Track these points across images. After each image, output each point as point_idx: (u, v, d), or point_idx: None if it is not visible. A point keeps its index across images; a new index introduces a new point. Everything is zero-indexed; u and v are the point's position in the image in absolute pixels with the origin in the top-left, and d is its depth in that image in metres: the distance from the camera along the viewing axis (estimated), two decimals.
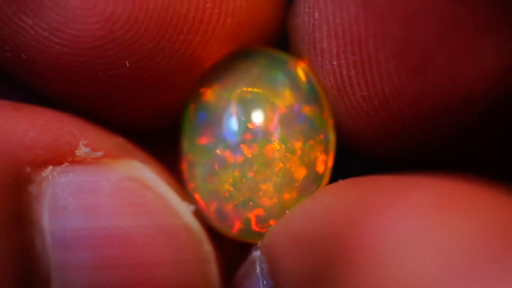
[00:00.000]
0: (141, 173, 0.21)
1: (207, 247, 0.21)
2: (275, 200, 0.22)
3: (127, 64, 0.21)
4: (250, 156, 0.22)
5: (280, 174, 0.22)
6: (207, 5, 0.21)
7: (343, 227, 0.17)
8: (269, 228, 0.22)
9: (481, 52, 0.19)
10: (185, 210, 0.21)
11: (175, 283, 0.20)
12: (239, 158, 0.22)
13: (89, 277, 0.19)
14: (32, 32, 0.20)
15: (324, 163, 0.22)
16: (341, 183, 0.21)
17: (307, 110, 0.22)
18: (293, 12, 0.23)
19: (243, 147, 0.22)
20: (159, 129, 0.23)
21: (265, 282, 0.21)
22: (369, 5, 0.19)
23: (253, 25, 0.22)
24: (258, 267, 0.21)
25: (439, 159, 0.22)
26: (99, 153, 0.21)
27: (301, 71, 0.23)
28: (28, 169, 0.19)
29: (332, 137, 0.23)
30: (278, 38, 0.24)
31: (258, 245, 0.22)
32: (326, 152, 0.22)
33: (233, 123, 0.22)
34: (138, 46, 0.20)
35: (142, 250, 0.20)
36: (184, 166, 0.23)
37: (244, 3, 0.21)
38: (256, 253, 0.22)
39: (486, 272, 0.15)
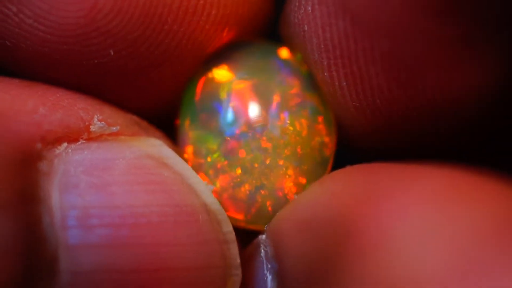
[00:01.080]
0: (158, 150, 0.20)
1: (227, 228, 0.20)
2: (288, 184, 0.22)
3: (112, 53, 0.20)
4: (260, 141, 0.21)
5: (291, 158, 0.22)
6: None
7: (350, 213, 0.17)
8: (277, 213, 0.22)
9: (467, 67, 0.19)
10: (204, 189, 0.20)
11: (193, 265, 0.19)
12: (249, 144, 0.21)
13: (100, 257, 0.18)
14: (16, 19, 0.20)
15: (328, 145, 0.22)
16: (348, 169, 0.21)
17: (308, 96, 0.22)
18: (284, 21, 0.23)
19: (252, 134, 0.21)
20: (151, 119, 0.23)
21: (269, 266, 0.21)
22: (357, 22, 0.20)
23: (239, 17, 0.22)
24: (262, 250, 0.21)
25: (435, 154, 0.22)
26: (115, 128, 0.20)
27: (298, 60, 0.23)
28: (39, 146, 0.18)
29: (332, 121, 0.23)
30: (267, 31, 0.24)
31: (264, 229, 0.22)
32: (329, 134, 0.22)
33: (240, 111, 0.22)
34: (122, 35, 0.20)
35: (158, 229, 0.19)
36: (189, 155, 0.22)
37: None
38: (261, 237, 0.21)
39: (494, 264, 0.14)
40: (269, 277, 0.21)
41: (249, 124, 0.22)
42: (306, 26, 0.21)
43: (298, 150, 0.22)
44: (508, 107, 0.21)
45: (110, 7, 0.20)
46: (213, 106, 0.22)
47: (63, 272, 0.18)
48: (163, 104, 0.23)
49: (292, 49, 0.23)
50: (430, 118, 0.21)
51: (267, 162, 0.21)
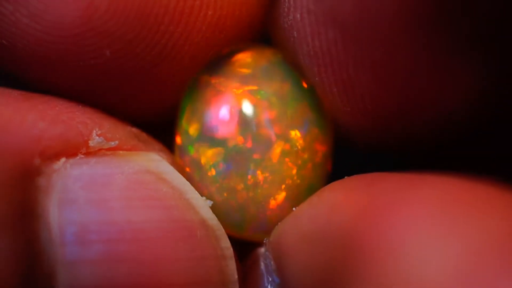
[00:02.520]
0: (157, 165, 0.20)
1: (225, 244, 0.20)
2: (284, 196, 0.21)
3: (108, 54, 0.20)
4: (257, 153, 0.21)
5: (288, 170, 0.22)
6: None
7: (352, 226, 0.17)
8: (276, 226, 0.21)
9: (455, 75, 0.20)
10: (202, 205, 0.20)
11: (191, 280, 0.19)
12: (247, 156, 0.21)
13: (98, 272, 0.18)
14: (12, 18, 0.20)
15: (324, 153, 0.22)
16: (347, 180, 0.20)
17: (305, 104, 0.22)
18: (273, 24, 0.23)
19: (249, 145, 0.21)
20: (147, 122, 0.23)
21: (270, 279, 0.21)
22: (347, 31, 0.20)
23: (236, 18, 0.22)
24: (262, 263, 0.21)
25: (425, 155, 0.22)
26: (113, 143, 0.20)
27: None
28: (37, 161, 0.18)
29: (329, 127, 0.22)
30: (263, 33, 0.24)
31: (264, 242, 0.21)
32: (325, 142, 0.22)
33: (240, 121, 0.22)
34: (118, 36, 0.20)
35: (156, 245, 0.19)
36: (188, 164, 0.22)
37: None
38: (260, 250, 0.21)
39: (500, 275, 0.14)
40: None
41: (249, 137, 0.21)
42: (295, 32, 0.21)
43: (297, 164, 0.22)
44: (497, 111, 0.21)
45: (106, 7, 0.20)
46: (214, 116, 0.22)
47: (61, 287, 0.18)
48: (161, 105, 0.23)
49: (283, 52, 0.23)
50: (420, 121, 0.21)
51: (266, 174, 0.21)
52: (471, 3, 0.18)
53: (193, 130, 0.22)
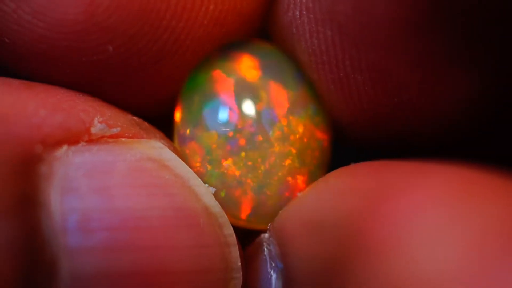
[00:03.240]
0: (159, 152, 0.20)
1: (228, 231, 0.20)
2: (287, 182, 0.21)
3: (111, 49, 0.20)
4: (261, 141, 0.21)
5: (290, 156, 0.22)
6: None
7: (357, 213, 0.17)
8: (280, 211, 0.21)
9: (451, 78, 0.20)
10: (205, 192, 0.20)
11: (194, 268, 0.19)
12: (248, 143, 0.21)
13: (101, 260, 0.18)
14: (14, 15, 0.20)
15: (326, 145, 0.22)
16: (353, 167, 0.20)
17: (309, 97, 0.22)
18: (272, 20, 0.23)
19: (251, 132, 0.21)
20: (150, 116, 0.23)
21: (273, 265, 0.21)
22: (344, 31, 0.20)
23: (237, 13, 0.22)
24: (266, 249, 0.21)
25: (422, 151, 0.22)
26: (115, 130, 0.20)
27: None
28: (39, 149, 0.18)
29: (327, 117, 0.23)
30: (262, 29, 0.24)
31: (268, 228, 0.21)
32: (325, 131, 0.22)
33: (241, 108, 0.22)
34: (121, 31, 0.20)
35: (159, 233, 0.19)
36: (188, 153, 0.22)
37: None
38: (264, 235, 0.21)
39: (510, 264, 0.14)
40: (274, 276, 0.21)
41: (251, 124, 0.21)
42: (294, 29, 0.21)
43: (298, 150, 0.22)
44: (497, 111, 0.21)
45: (108, 3, 0.20)
46: (215, 104, 0.22)
47: (63, 276, 0.18)
48: (162, 100, 0.23)
49: (282, 47, 0.23)
50: (417, 121, 0.21)
51: (268, 161, 0.21)
52: (468, 4, 0.18)
53: (192, 118, 0.22)
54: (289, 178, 0.21)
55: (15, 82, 0.20)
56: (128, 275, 0.18)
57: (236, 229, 0.21)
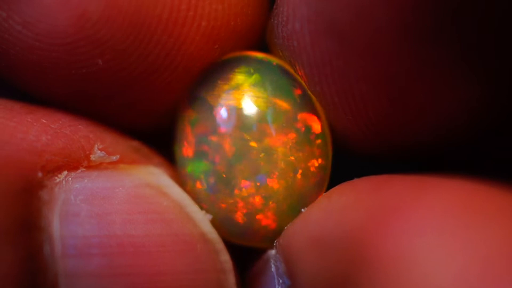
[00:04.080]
0: (157, 179, 0.20)
1: (225, 257, 0.20)
2: (287, 206, 0.21)
3: (100, 63, 0.20)
4: (258, 165, 0.21)
5: (288, 179, 0.21)
6: (182, 7, 0.20)
7: (362, 231, 0.17)
8: (285, 228, 0.21)
9: (457, 86, 0.19)
10: (202, 219, 0.21)
11: None
12: (246, 168, 0.21)
13: (100, 285, 0.18)
14: (5, 25, 0.20)
15: (324, 168, 0.22)
16: (356, 182, 0.20)
17: (306, 115, 0.22)
18: (271, 32, 0.23)
19: (248, 157, 0.21)
20: (143, 131, 0.23)
21: (281, 281, 0.21)
22: (345, 41, 0.19)
23: (231, 29, 0.22)
24: (273, 265, 0.21)
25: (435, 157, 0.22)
26: (115, 157, 0.20)
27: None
28: (40, 174, 0.18)
29: (328, 137, 0.22)
30: (260, 43, 0.24)
31: (275, 244, 0.21)
32: (325, 157, 0.22)
33: (236, 127, 0.21)
34: (111, 45, 0.20)
35: (156, 259, 0.19)
36: (184, 177, 0.22)
37: (220, 6, 0.21)
38: (271, 252, 0.21)
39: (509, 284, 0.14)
40: None
41: (248, 147, 0.21)
42: (295, 42, 0.21)
43: (294, 173, 0.22)
44: (500, 115, 0.21)
45: (99, 16, 0.20)
46: (207, 130, 0.22)
47: None
48: (156, 115, 0.23)
49: (281, 59, 0.23)
50: (422, 130, 0.21)
51: (265, 185, 0.21)
52: (468, 12, 0.18)
53: (188, 145, 0.22)
54: (290, 200, 0.21)
55: (17, 105, 0.20)
56: None
57: (241, 247, 0.21)
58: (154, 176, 0.21)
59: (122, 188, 0.20)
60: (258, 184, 0.21)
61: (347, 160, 0.23)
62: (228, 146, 0.21)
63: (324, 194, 0.22)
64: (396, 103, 0.20)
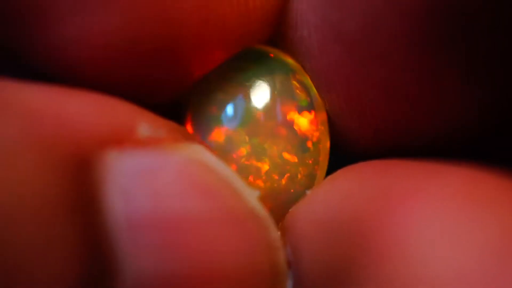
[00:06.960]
0: (204, 156, 0.20)
1: (275, 234, 0.20)
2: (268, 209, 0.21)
3: None
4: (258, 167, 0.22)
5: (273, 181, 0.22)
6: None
7: (366, 215, 0.17)
8: (290, 210, 0.22)
9: (463, 94, 0.20)
10: (250, 195, 0.20)
11: (243, 271, 0.19)
12: (247, 169, 0.22)
13: (154, 262, 0.18)
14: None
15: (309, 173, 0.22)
16: (361, 165, 0.21)
17: (303, 120, 0.22)
18: (280, 36, 0.23)
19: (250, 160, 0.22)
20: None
21: None
22: (352, 49, 0.20)
23: (240, 34, 0.22)
24: None
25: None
26: (160, 133, 0.20)
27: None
28: (91, 153, 0.18)
29: (324, 146, 0.23)
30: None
31: (278, 226, 0.21)
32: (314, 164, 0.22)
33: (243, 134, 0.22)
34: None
35: (209, 235, 0.19)
36: None
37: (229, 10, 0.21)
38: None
39: None
40: None
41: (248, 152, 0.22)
42: (304, 48, 0.21)
43: (280, 176, 0.22)
44: (507, 119, 0.21)
45: None
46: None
47: (121, 276, 0.17)
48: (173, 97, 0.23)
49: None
50: (429, 135, 0.21)
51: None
52: (476, 25, 0.19)
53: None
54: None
55: (58, 88, 0.20)
56: (180, 277, 0.18)
57: None
58: (199, 153, 0.20)
59: (172, 164, 0.19)
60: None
61: (348, 161, 0.23)
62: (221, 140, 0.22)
63: (328, 177, 0.22)
64: (403, 109, 0.20)
